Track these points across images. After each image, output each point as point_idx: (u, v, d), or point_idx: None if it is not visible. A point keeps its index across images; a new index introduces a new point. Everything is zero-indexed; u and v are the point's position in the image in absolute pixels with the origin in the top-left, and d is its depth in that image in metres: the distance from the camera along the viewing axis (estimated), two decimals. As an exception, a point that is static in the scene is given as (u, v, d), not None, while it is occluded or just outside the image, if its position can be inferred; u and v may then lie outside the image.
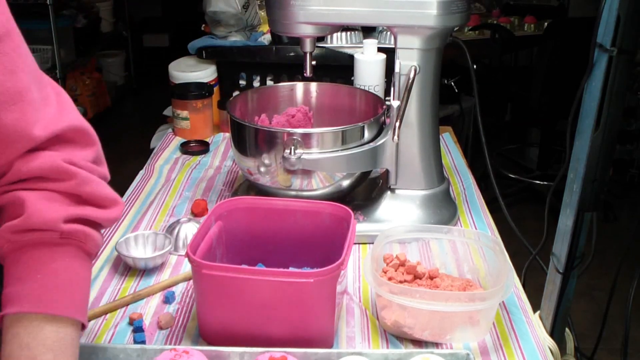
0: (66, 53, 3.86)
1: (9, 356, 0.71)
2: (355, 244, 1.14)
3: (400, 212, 1.18)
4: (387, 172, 1.19)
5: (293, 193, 1.15)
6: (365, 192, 1.25)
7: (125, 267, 1.08)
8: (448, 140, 1.65)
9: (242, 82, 1.70)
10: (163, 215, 1.26)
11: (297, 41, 1.16)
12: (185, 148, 1.58)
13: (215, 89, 1.69)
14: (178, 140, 1.63)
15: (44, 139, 0.72)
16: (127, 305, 0.99)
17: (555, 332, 1.06)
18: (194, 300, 0.99)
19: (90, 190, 0.75)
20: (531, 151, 3.99)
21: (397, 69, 1.12)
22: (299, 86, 1.33)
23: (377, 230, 1.05)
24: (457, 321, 0.89)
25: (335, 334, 0.92)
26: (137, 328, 0.92)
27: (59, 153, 0.74)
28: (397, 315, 0.90)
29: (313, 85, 1.34)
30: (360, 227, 1.13)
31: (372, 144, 1.14)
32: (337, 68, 1.58)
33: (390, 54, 1.24)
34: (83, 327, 0.76)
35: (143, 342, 0.90)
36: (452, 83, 3.05)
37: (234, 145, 1.20)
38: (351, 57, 1.46)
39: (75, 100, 2.55)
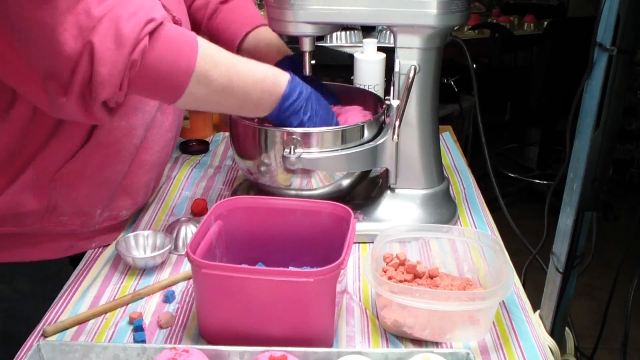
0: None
1: None
2: (355, 243, 1.14)
3: (400, 211, 1.18)
4: (387, 171, 1.19)
5: (293, 192, 1.15)
6: (365, 191, 1.25)
7: (125, 267, 1.08)
8: (448, 140, 1.65)
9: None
10: (163, 215, 1.26)
11: (297, 40, 1.16)
12: (185, 147, 1.58)
13: (215, 88, 1.69)
14: (178, 140, 1.62)
15: None
16: (127, 304, 0.99)
17: (555, 332, 1.06)
18: (194, 299, 0.99)
19: None
20: (531, 151, 3.99)
21: (396, 68, 1.12)
22: (299, 85, 1.33)
23: (377, 230, 1.05)
24: (457, 320, 0.89)
25: (335, 333, 0.92)
26: (137, 327, 0.92)
27: None
28: (397, 314, 0.90)
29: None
30: (360, 226, 1.13)
31: (372, 144, 1.14)
32: (336, 67, 1.59)
33: (390, 53, 1.23)
34: None
35: (143, 341, 0.90)
36: (452, 82, 3.06)
37: (233, 144, 1.20)
38: (351, 57, 1.46)
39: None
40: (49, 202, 1.03)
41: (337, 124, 1.12)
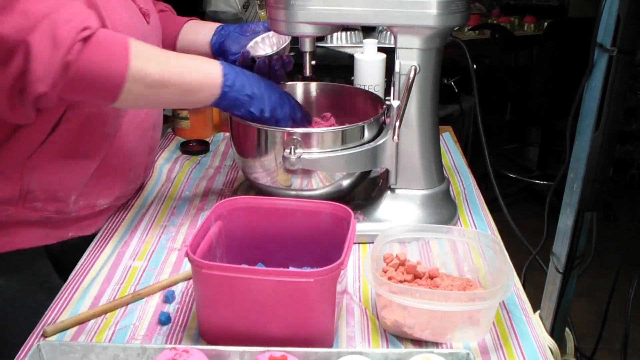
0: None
1: None
2: (355, 243, 1.14)
3: (400, 211, 1.18)
4: (387, 171, 1.19)
5: (293, 193, 1.15)
6: (365, 191, 1.25)
7: (125, 268, 1.08)
8: (448, 140, 1.66)
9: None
10: (163, 215, 1.26)
11: (297, 41, 1.16)
12: (185, 148, 1.58)
13: (215, 88, 1.69)
14: (178, 140, 1.63)
15: None
16: (127, 304, 0.99)
17: (555, 332, 1.06)
18: (194, 299, 0.99)
19: None
20: (531, 151, 4.00)
21: (397, 69, 1.12)
22: (299, 86, 1.33)
23: (377, 230, 1.05)
24: (457, 321, 0.89)
25: (335, 333, 0.92)
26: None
27: None
28: (397, 314, 0.90)
29: (313, 85, 1.33)
30: (360, 226, 1.13)
31: (372, 144, 1.14)
32: (337, 68, 1.59)
33: (390, 53, 1.24)
34: None
35: (168, 319, 0.95)
36: (452, 83, 3.06)
37: (233, 145, 1.20)
38: (351, 57, 1.46)
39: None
40: (21, 188, 1.04)
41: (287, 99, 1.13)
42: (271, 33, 1.28)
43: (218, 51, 1.29)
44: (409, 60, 1.11)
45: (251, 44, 1.27)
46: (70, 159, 1.07)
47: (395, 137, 1.09)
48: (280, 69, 1.22)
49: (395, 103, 1.13)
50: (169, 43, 1.30)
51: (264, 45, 1.28)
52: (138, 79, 0.95)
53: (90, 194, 1.14)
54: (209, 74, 1.04)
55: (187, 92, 1.02)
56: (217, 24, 1.32)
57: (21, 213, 1.07)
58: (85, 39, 0.90)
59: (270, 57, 1.22)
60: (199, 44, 1.30)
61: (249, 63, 1.22)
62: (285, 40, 1.23)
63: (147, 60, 0.97)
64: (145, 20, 1.16)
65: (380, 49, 1.43)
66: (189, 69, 1.02)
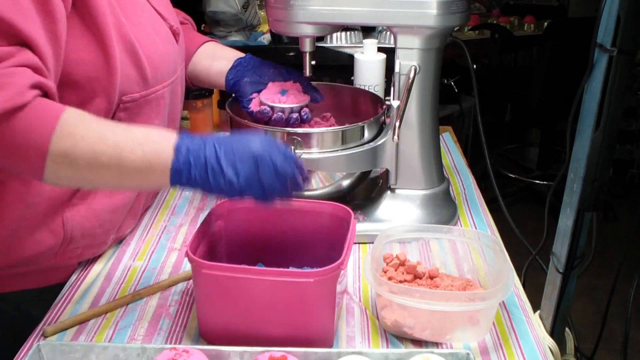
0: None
1: None
2: (355, 243, 1.14)
3: (400, 211, 1.18)
4: (387, 171, 1.19)
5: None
6: (365, 191, 1.25)
7: (125, 268, 1.08)
8: (448, 140, 1.66)
9: (242, 82, 1.70)
10: (163, 215, 1.26)
11: (297, 41, 1.16)
12: (185, 148, 1.57)
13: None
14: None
15: None
16: (127, 304, 0.99)
17: (555, 332, 1.06)
18: (194, 299, 0.99)
19: None
20: (531, 151, 4.00)
21: (397, 69, 1.12)
22: (299, 86, 1.33)
23: (377, 230, 1.05)
24: (457, 321, 0.89)
25: (335, 333, 0.92)
26: None
27: None
28: (397, 315, 0.90)
29: (313, 85, 1.33)
30: (360, 226, 1.13)
31: (372, 144, 1.14)
32: (337, 68, 1.59)
33: (390, 53, 1.24)
34: None
35: None
36: (452, 83, 3.05)
37: (234, 145, 1.19)
38: (351, 57, 1.46)
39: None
40: (64, 236, 1.01)
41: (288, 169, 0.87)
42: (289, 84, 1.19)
43: (232, 89, 1.20)
44: (409, 61, 1.11)
45: (267, 95, 1.17)
46: (112, 196, 1.05)
47: (395, 137, 1.09)
48: (298, 123, 1.15)
49: (395, 103, 1.13)
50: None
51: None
52: (63, 163, 0.82)
53: (122, 228, 1.13)
54: (158, 148, 0.85)
55: (130, 175, 0.85)
56: (234, 54, 1.22)
57: (61, 262, 1.05)
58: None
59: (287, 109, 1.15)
60: (213, 73, 1.21)
61: (267, 116, 1.14)
62: (305, 100, 1.16)
63: (75, 142, 0.82)
64: (175, 39, 1.10)
65: (380, 49, 1.43)
66: (132, 149, 0.84)
